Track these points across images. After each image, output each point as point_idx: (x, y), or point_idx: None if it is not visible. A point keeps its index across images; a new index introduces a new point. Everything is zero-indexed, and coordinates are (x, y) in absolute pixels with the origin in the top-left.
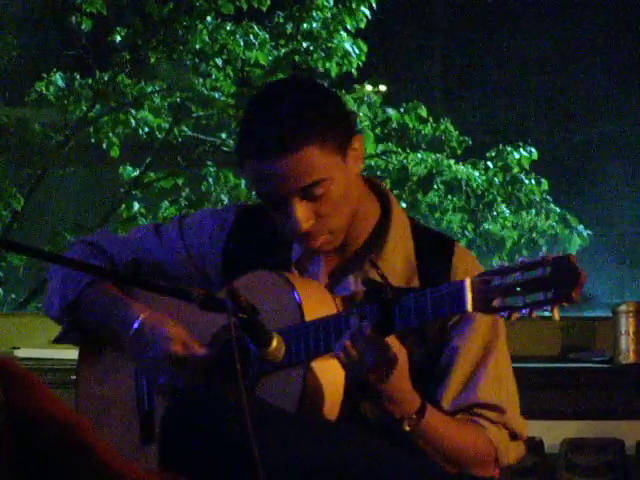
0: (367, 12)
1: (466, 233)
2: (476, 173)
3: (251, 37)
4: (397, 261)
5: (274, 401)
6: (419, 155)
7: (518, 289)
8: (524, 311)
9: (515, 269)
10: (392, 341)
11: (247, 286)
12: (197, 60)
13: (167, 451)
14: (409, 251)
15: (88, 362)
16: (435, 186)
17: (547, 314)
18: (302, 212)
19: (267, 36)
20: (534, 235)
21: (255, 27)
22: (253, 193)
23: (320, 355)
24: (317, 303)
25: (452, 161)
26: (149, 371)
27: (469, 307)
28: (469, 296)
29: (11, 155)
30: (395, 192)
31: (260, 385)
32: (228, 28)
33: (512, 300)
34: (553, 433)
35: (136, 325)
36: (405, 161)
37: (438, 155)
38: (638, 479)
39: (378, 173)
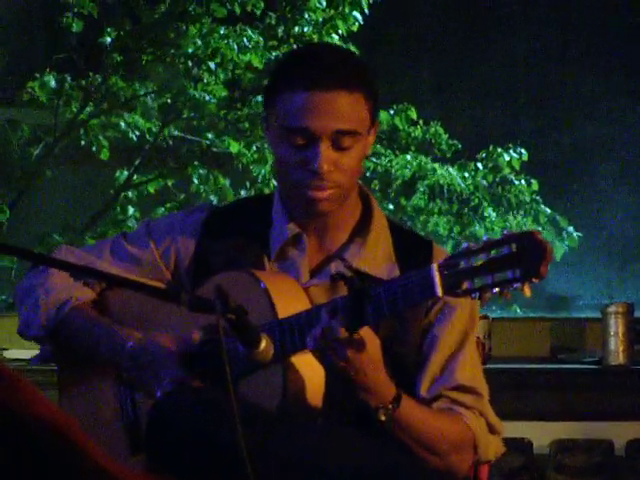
0: (359, 17)
1: (452, 236)
2: (458, 178)
3: (245, 40)
4: (378, 254)
5: (256, 401)
6: (407, 157)
7: (486, 269)
8: (494, 291)
9: (481, 249)
10: (365, 332)
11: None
12: (190, 64)
13: (154, 458)
14: (389, 247)
15: (68, 381)
16: (420, 189)
17: (538, 314)
18: (327, 154)
19: (261, 39)
20: None
21: (249, 30)
22: (242, 193)
23: (298, 351)
24: (288, 297)
25: (437, 164)
26: (145, 385)
27: (439, 292)
28: (438, 281)
29: None
30: (378, 195)
31: (241, 386)
32: (222, 32)
33: (481, 281)
34: (542, 434)
35: (130, 344)
36: (389, 164)
37: (422, 158)
38: None
39: (367, 174)
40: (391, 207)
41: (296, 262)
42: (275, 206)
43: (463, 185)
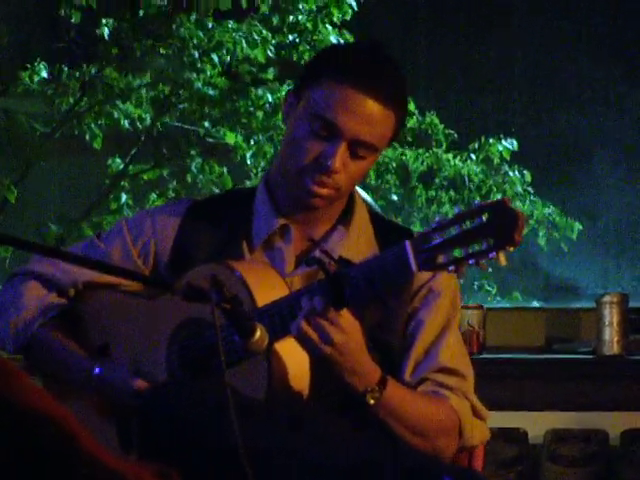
0: (353, 3)
1: None
2: (475, 168)
3: (254, 35)
4: (360, 241)
5: (243, 390)
6: (417, 150)
7: (459, 241)
8: (470, 262)
9: (453, 222)
10: (345, 314)
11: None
12: (196, 54)
13: (145, 457)
14: (370, 235)
15: (54, 387)
16: (437, 181)
17: (534, 305)
18: (343, 156)
19: (269, 34)
20: (532, 223)
21: (258, 25)
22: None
23: (280, 339)
24: (266, 285)
25: (450, 155)
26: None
27: (415, 268)
28: (412, 257)
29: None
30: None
31: (227, 375)
32: (230, 26)
33: (456, 254)
34: (537, 424)
35: (97, 371)
36: (404, 158)
37: (437, 150)
38: (622, 470)
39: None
40: (395, 198)
41: (282, 252)
42: (259, 197)
43: (481, 176)
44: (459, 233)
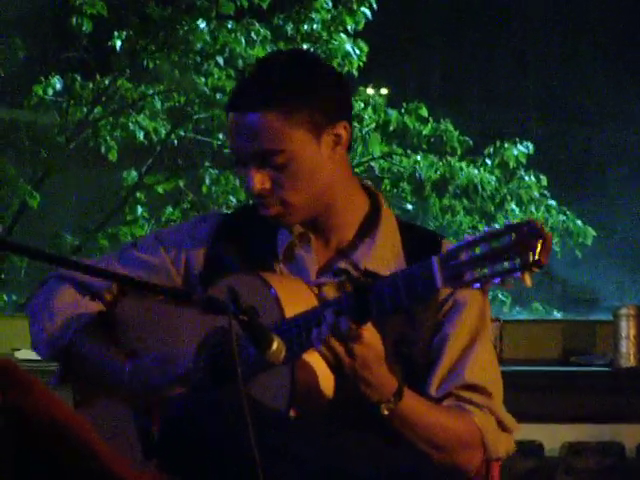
0: (368, 12)
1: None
2: (490, 177)
3: (252, 34)
4: (387, 253)
5: (265, 401)
6: (431, 157)
7: (486, 259)
8: (496, 280)
9: (481, 240)
10: (368, 326)
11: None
12: (199, 59)
13: (166, 464)
14: (397, 245)
15: (82, 391)
16: (449, 189)
17: (555, 316)
18: (257, 175)
19: (268, 33)
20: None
21: (256, 24)
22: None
23: (305, 351)
24: (295, 297)
25: (464, 163)
26: (149, 409)
27: (440, 284)
28: (439, 273)
29: (19, 152)
30: (408, 196)
31: (251, 386)
32: (229, 27)
33: (482, 271)
34: (553, 436)
35: (127, 369)
36: (418, 166)
37: (450, 159)
38: None
39: (382, 174)
40: (409, 207)
41: (304, 261)
42: None
43: (494, 183)
44: (486, 251)
